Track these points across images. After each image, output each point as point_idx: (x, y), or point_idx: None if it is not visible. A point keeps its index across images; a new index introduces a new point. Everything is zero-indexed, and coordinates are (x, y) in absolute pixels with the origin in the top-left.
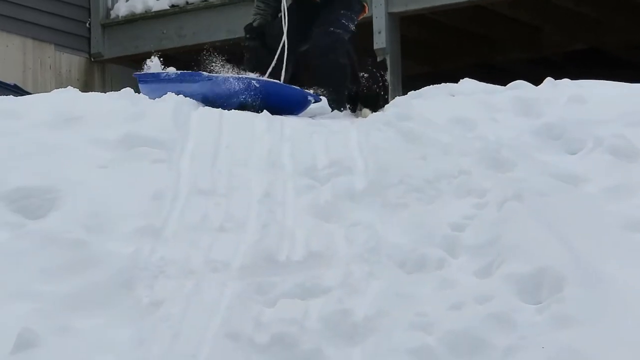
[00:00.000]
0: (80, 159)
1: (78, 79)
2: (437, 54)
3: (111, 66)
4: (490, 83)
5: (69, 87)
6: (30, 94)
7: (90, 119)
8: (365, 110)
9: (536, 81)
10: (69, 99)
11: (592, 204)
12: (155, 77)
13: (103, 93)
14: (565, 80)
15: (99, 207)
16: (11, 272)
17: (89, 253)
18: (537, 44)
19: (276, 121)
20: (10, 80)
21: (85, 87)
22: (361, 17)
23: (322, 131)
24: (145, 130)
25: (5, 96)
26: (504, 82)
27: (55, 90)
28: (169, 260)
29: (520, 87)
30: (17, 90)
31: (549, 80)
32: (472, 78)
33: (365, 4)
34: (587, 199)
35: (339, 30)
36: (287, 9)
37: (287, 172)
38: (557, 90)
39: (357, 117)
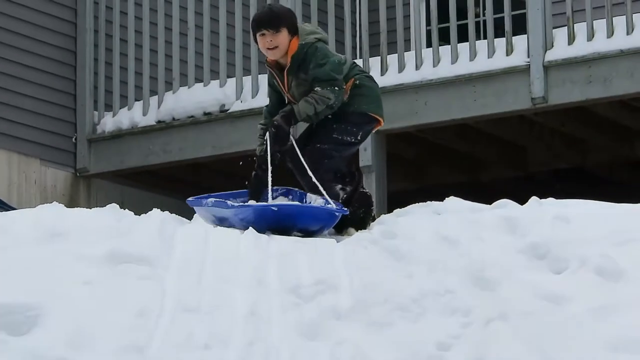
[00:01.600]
0: (65, 275)
1: (63, 194)
2: (424, 170)
3: (97, 181)
4: (477, 200)
5: (54, 202)
6: (15, 209)
7: (76, 235)
8: (351, 229)
9: (522, 199)
10: (54, 214)
11: (576, 324)
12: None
13: (88, 209)
14: (550, 200)
15: (82, 324)
16: None
17: None
18: (522, 162)
19: (262, 238)
20: None
21: (71, 202)
22: (375, 128)
23: (308, 249)
24: (131, 247)
25: None
26: (490, 199)
27: (41, 205)
28: None
29: (505, 206)
30: (1, 206)
31: (534, 199)
32: (459, 195)
33: (376, 115)
34: (571, 319)
35: (325, 146)
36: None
37: (272, 290)
38: (542, 210)
39: (342, 235)
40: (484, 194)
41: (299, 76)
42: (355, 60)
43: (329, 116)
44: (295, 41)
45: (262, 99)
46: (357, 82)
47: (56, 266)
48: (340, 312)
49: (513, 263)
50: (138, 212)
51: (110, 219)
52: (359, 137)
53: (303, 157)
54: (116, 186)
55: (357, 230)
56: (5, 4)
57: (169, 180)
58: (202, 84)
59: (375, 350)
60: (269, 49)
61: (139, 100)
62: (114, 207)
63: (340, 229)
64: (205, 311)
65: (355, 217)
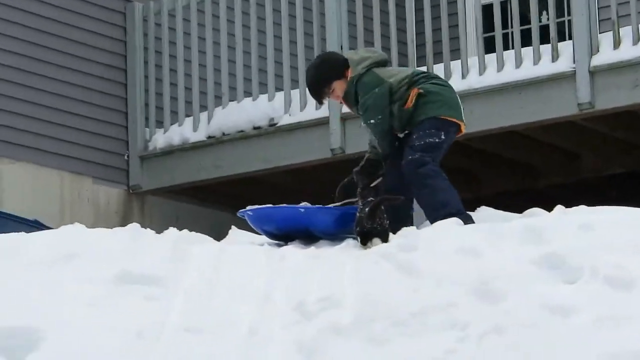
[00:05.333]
0: (70, 297)
1: (116, 212)
2: (478, 180)
3: (150, 197)
4: (532, 207)
5: (76, 223)
6: (51, 228)
7: (88, 256)
8: (376, 240)
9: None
10: (71, 235)
11: (579, 336)
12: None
13: (106, 229)
14: (580, 207)
15: (80, 347)
16: None
17: None
18: (576, 168)
19: (276, 255)
20: (47, 215)
21: (124, 220)
22: (458, 130)
23: (319, 264)
24: (141, 267)
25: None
26: (547, 206)
27: (63, 226)
28: None
29: (532, 215)
30: (37, 226)
31: (559, 208)
32: (515, 202)
33: (449, 118)
34: (574, 330)
35: (416, 155)
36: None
37: (277, 307)
38: (567, 218)
39: (366, 247)
40: (541, 201)
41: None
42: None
43: (406, 132)
44: (348, 73)
45: (311, 112)
46: (421, 91)
47: (63, 288)
48: (341, 329)
49: (525, 274)
50: (193, 227)
51: (126, 239)
52: (442, 137)
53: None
54: (169, 202)
55: (382, 242)
56: (55, 25)
57: (220, 195)
58: (251, 98)
59: None
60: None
61: (189, 116)
62: (134, 226)
63: (366, 241)
64: (207, 331)
65: (382, 229)
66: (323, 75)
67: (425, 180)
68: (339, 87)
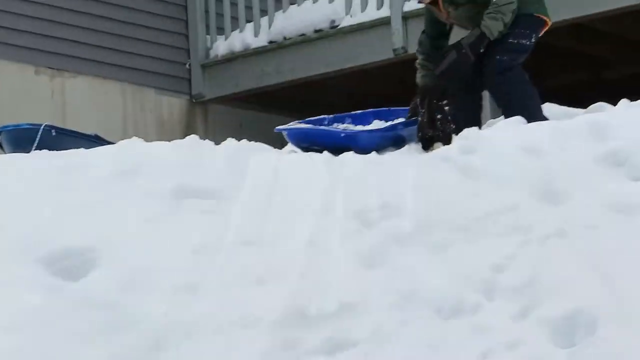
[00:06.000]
0: (128, 214)
1: (180, 121)
2: (543, 72)
3: (213, 106)
4: (600, 99)
5: (134, 137)
6: (111, 143)
7: (145, 171)
8: (438, 144)
9: None
10: (130, 150)
11: None
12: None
13: (166, 142)
14: None
15: (138, 265)
16: (45, 336)
17: (124, 315)
18: None
19: (335, 162)
20: (110, 128)
21: (188, 129)
22: (544, 29)
23: (380, 171)
24: (198, 180)
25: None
26: (614, 98)
27: (122, 141)
28: (202, 319)
29: (597, 110)
30: (97, 141)
31: (623, 101)
32: (583, 94)
33: (542, 16)
34: (639, 230)
35: (505, 57)
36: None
37: (336, 217)
38: (632, 112)
39: (428, 151)
40: (608, 92)
41: (455, 1)
42: None
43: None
44: None
45: (372, 12)
46: None
47: (121, 205)
48: (401, 237)
49: (589, 172)
50: (257, 135)
51: (184, 152)
52: (532, 39)
53: (487, 76)
54: (233, 110)
55: (444, 145)
56: None
57: (285, 101)
58: (311, 0)
59: (430, 275)
60: (420, 1)
61: (249, 22)
62: (193, 138)
63: (428, 146)
64: (264, 243)
65: (445, 134)
66: None
67: (514, 86)
68: None
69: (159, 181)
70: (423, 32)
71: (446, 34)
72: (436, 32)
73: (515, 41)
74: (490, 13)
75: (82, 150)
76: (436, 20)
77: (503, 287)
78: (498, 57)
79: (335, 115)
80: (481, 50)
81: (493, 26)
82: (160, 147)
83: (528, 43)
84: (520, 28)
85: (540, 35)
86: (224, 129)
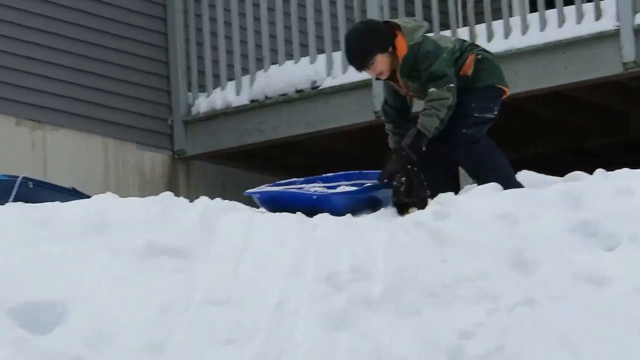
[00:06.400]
0: (96, 270)
1: (162, 177)
2: (523, 140)
3: (195, 162)
4: (581, 169)
5: (108, 192)
6: (88, 197)
7: (117, 227)
8: (413, 209)
9: (629, 165)
10: (101, 205)
11: (613, 307)
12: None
13: (139, 198)
14: (622, 171)
15: (105, 321)
16: None
17: None
18: (624, 128)
19: (308, 223)
20: (92, 182)
21: (170, 185)
22: (502, 98)
23: (352, 233)
24: (169, 238)
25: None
26: (591, 167)
27: (95, 195)
28: None
29: (573, 179)
30: (74, 194)
31: (599, 172)
32: (562, 163)
33: (502, 87)
34: (608, 301)
35: (471, 131)
36: None
37: (306, 279)
38: (606, 182)
39: (404, 215)
40: (588, 162)
41: (412, 75)
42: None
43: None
44: (401, 41)
45: (353, 74)
46: (479, 56)
47: (89, 261)
48: (371, 301)
49: (561, 241)
50: (238, 192)
51: (157, 209)
52: (495, 112)
53: (454, 148)
54: (215, 166)
55: (419, 210)
56: None
57: (265, 159)
58: (292, 61)
59: (396, 341)
60: (377, 78)
61: (231, 80)
62: (167, 195)
63: (402, 211)
64: (233, 304)
65: (420, 199)
66: (367, 47)
67: (484, 156)
68: (382, 62)
69: (129, 238)
70: (385, 102)
71: (408, 104)
72: (399, 102)
73: (481, 115)
74: (425, 110)
75: (55, 203)
76: (397, 92)
77: (469, 355)
78: (464, 130)
79: (306, 177)
80: (423, 149)
81: (427, 123)
82: (132, 203)
83: (492, 116)
84: (484, 102)
85: (500, 104)
86: (207, 186)
